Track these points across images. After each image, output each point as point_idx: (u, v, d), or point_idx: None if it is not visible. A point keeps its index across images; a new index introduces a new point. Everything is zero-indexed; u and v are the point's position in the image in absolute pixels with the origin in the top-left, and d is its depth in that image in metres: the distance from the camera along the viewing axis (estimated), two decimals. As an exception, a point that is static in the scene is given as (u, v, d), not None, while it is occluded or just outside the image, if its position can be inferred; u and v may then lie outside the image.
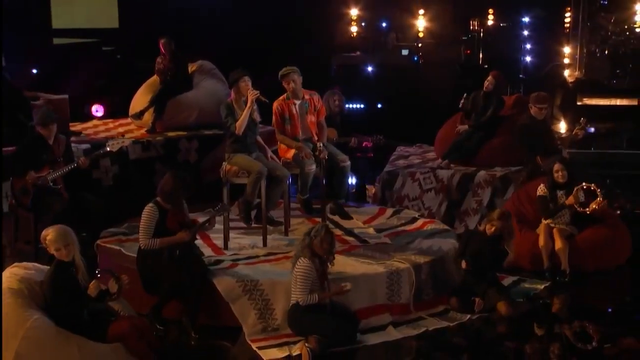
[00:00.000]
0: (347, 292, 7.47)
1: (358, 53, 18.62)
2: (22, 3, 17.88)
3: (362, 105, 16.75)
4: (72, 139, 11.15)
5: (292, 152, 8.98)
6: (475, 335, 7.88)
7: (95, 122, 12.77)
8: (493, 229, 8.23)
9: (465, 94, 11.24)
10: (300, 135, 9.09)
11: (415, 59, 18.38)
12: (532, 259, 9.22)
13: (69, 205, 9.29)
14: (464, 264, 8.19)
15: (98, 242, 8.94)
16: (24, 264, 6.95)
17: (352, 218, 9.45)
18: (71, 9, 18.74)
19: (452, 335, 7.79)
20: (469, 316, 8.07)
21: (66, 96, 11.46)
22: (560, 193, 9.29)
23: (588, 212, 9.13)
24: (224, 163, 8.88)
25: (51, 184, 9.22)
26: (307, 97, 9.13)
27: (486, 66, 18.25)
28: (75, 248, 6.70)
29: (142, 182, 10.85)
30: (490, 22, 19.90)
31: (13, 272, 6.75)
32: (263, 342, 7.53)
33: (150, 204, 7.91)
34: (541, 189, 9.37)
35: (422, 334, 7.75)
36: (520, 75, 18.49)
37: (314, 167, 8.90)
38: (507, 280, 8.92)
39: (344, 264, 8.24)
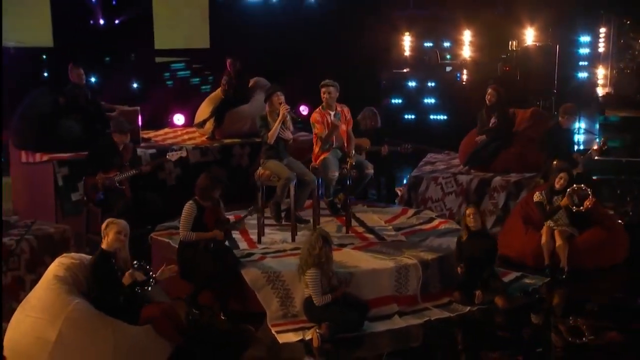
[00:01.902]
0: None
1: (407, 70, 18.47)
2: (131, 28, 18.39)
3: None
4: (142, 144, 11.27)
5: (320, 159, 8.87)
6: (472, 325, 7.66)
7: (166, 130, 12.84)
8: (470, 222, 8.10)
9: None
10: (334, 142, 8.98)
11: (458, 75, 18.13)
12: (536, 257, 8.94)
13: (133, 202, 9.39)
14: (459, 270, 8.04)
15: (152, 234, 8.97)
16: (72, 254, 6.98)
17: (340, 214, 9.21)
18: (171, 32, 19.18)
19: (452, 325, 7.61)
20: (469, 308, 7.87)
21: (137, 108, 11.56)
22: (556, 198, 9.03)
23: (583, 210, 8.84)
24: (259, 168, 8.85)
25: (117, 184, 9.32)
26: (339, 108, 9.02)
27: (520, 82, 17.91)
28: (114, 239, 6.70)
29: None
30: (528, 42, 19.47)
31: (61, 262, 6.79)
32: (282, 326, 7.47)
33: (190, 201, 7.91)
34: (537, 196, 9.14)
35: (425, 323, 7.60)
36: (554, 90, 18.04)
37: (336, 173, 8.78)
38: (511, 276, 8.70)
39: (359, 258, 8.14)
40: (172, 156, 9.62)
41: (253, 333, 7.48)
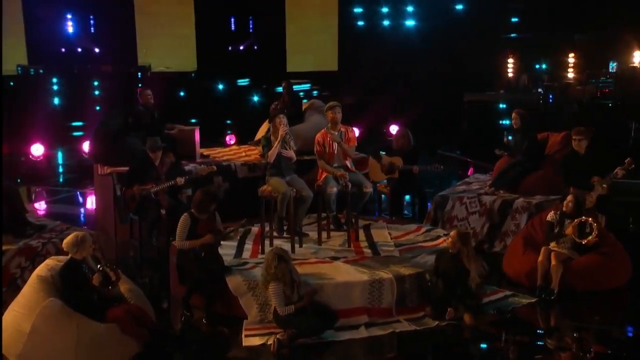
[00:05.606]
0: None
1: (502, 91, 18.16)
2: (266, 55, 19.38)
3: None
4: (198, 160, 11.84)
5: (323, 177, 9.13)
6: (434, 339, 7.62)
7: (232, 147, 13.35)
8: (448, 243, 8.04)
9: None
10: (335, 160, 9.19)
11: (551, 97, 17.64)
12: (531, 277, 8.70)
13: (168, 212, 9.92)
14: (439, 285, 7.99)
15: (173, 241, 9.43)
16: (59, 257, 7.49)
17: (343, 229, 9.31)
18: (302, 57, 20.08)
19: (414, 338, 7.57)
20: (437, 323, 7.81)
21: (196, 127, 12.14)
22: (568, 222, 8.74)
23: (584, 244, 8.57)
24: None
25: (153, 195, 9.89)
26: (342, 129, 9.22)
27: (617, 103, 17.18)
28: (86, 252, 7.20)
29: (247, 197, 11.22)
30: (634, 64, 18.62)
31: (47, 263, 7.33)
32: (255, 331, 7.70)
33: (185, 214, 8.33)
34: (551, 215, 8.87)
35: (388, 334, 7.61)
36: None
37: (335, 189, 8.98)
38: (499, 294, 8.54)
39: (341, 271, 8.28)
40: (202, 170, 10.08)
41: (225, 335, 7.78)
